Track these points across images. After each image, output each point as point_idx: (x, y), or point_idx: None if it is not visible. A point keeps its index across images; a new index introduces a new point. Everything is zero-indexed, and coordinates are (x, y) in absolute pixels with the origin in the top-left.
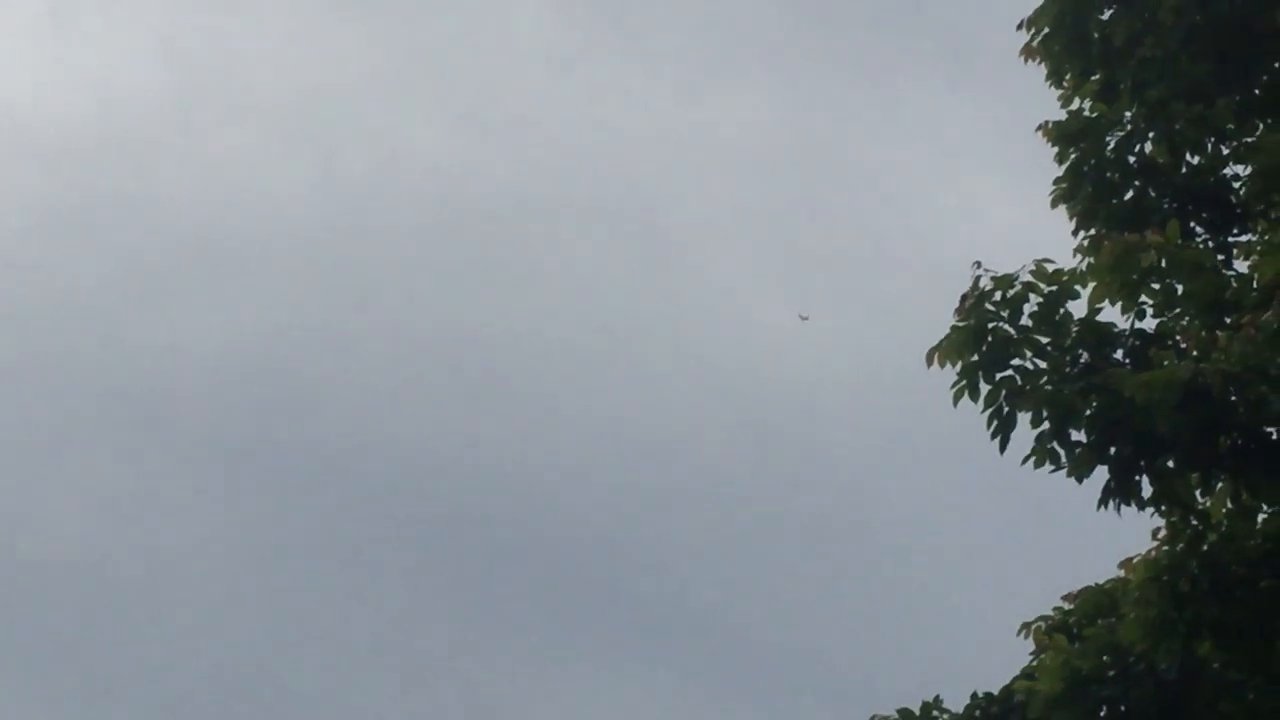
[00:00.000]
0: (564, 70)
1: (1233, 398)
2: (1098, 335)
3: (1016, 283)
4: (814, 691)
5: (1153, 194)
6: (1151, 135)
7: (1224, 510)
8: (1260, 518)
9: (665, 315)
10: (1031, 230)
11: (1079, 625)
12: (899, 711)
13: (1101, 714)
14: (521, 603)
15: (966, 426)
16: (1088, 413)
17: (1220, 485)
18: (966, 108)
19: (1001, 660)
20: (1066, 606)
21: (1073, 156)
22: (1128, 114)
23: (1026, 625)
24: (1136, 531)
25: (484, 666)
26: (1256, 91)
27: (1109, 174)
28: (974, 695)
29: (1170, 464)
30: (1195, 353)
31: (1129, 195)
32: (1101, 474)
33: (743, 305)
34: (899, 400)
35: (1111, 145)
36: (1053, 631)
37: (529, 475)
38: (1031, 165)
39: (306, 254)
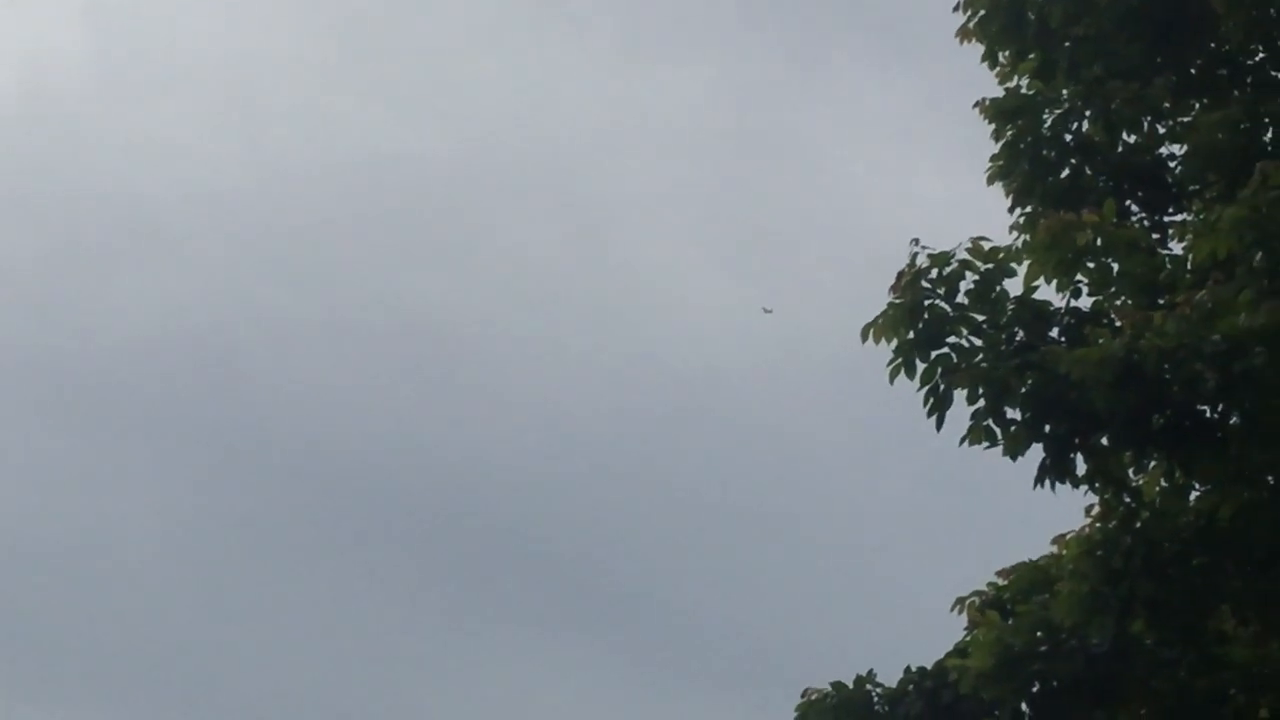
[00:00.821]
0: (499, 46)
1: (1167, 376)
2: (1033, 313)
3: (953, 260)
4: (750, 668)
5: (1089, 172)
6: (1088, 114)
7: (1157, 488)
8: (1192, 496)
9: (599, 292)
10: (965, 210)
11: (1013, 601)
12: (832, 685)
13: (1033, 690)
14: (454, 583)
15: (903, 404)
16: (1023, 390)
17: (1154, 464)
18: (901, 88)
19: (938, 636)
20: (1000, 582)
21: (1009, 134)
22: (1064, 92)
23: (961, 601)
24: (1073, 509)
25: (419, 643)
26: (1192, 71)
27: (1045, 151)
28: (907, 669)
29: (1105, 442)
30: (1131, 331)
31: (1065, 173)
32: (1037, 452)
33: (677, 283)
34: (834, 379)
35: (1048, 123)
36: (986, 608)
37: (460, 454)
38: (965, 145)
39: (235, 227)
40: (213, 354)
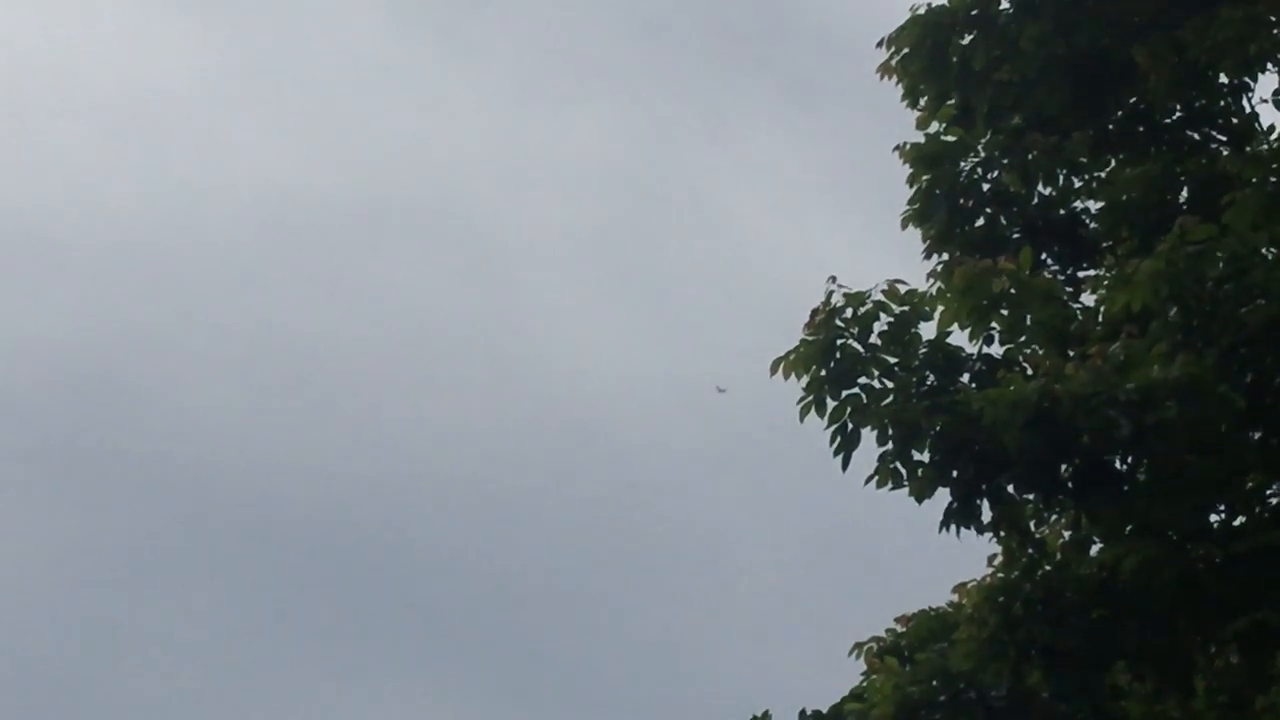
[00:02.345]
0: (396, 79)
1: (1079, 423)
2: (946, 358)
3: (868, 301)
4: (633, 709)
5: (1004, 222)
6: (1005, 163)
7: (1059, 540)
8: (1095, 549)
9: (487, 329)
10: (858, 257)
11: (910, 649)
12: None
13: None
14: (333, 610)
15: (807, 444)
16: (932, 433)
17: (1059, 513)
18: (800, 137)
19: (835, 681)
20: (899, 629)
21: (925, 180)
22: (983, 140)
23: (859, 645)
24: (972, 559)
25: (286, 672)
26: (1110, 127)
27: (962, 199)
28: (802, 713)
29: (1011, 487)
30: (1045, 376)
31: (981, 221)
32: (942, 498)
33: (566, 321)
34: (724, 420)
35: (966, 170)
36: (884, 654)
37: (344, 481)
38: (859, 199)
39: (131, 251)
40: (99, 376)
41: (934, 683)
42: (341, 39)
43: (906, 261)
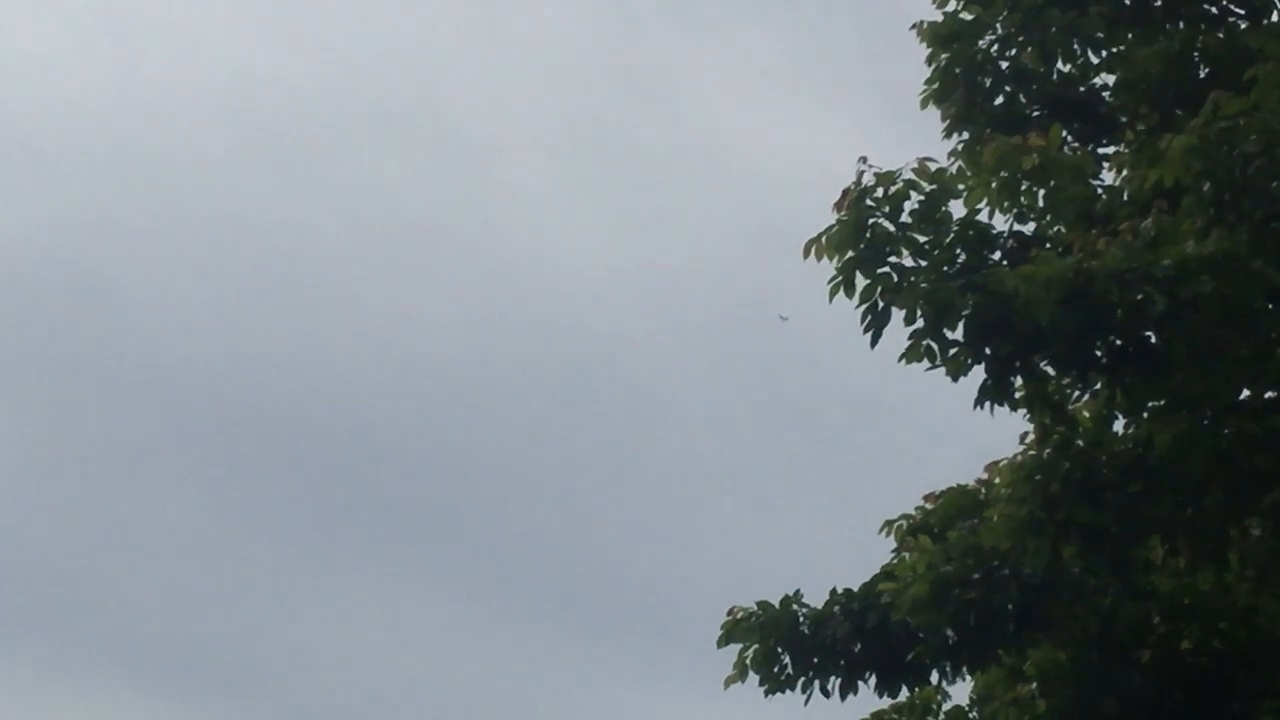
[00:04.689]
0: None
1: (1113, 299)
2: (977, 235)
3: (898, 180)
4: (669, 597)
5: (1023, 100)
6: (1023, 40)
7: (1090, 415)
8: (1128, 424)
9: (461, 221)
10: (838, 150)
11: (940, 526)
12: (758, 604)
13: (964, 618)
14: (308, 502)
15: (783, 336)
16: (965, 311)
17: (1094, 390)
18: (774, 28)
19: (866, 558)
20: (928, 507)
21: (944, 59)
22: (1001, 18)
23: (889, 524)
24: (1007, 434)
25: (263, 564)
26: (1127, 2)
27: (981, 78)
28: (833, 591)
29: (1046, 364)
30: (1080, 252)
31: (1000, 100)
32: (977, 374)
33: (543, 215)
34: (704, 310)
35: (984, 49)
36: (915, 532)
37: (319, 376)
38: (831, 90)
39: (105, 149)
40: (66, 266)
41: (968, 560)
42: None
43: (895, 148)
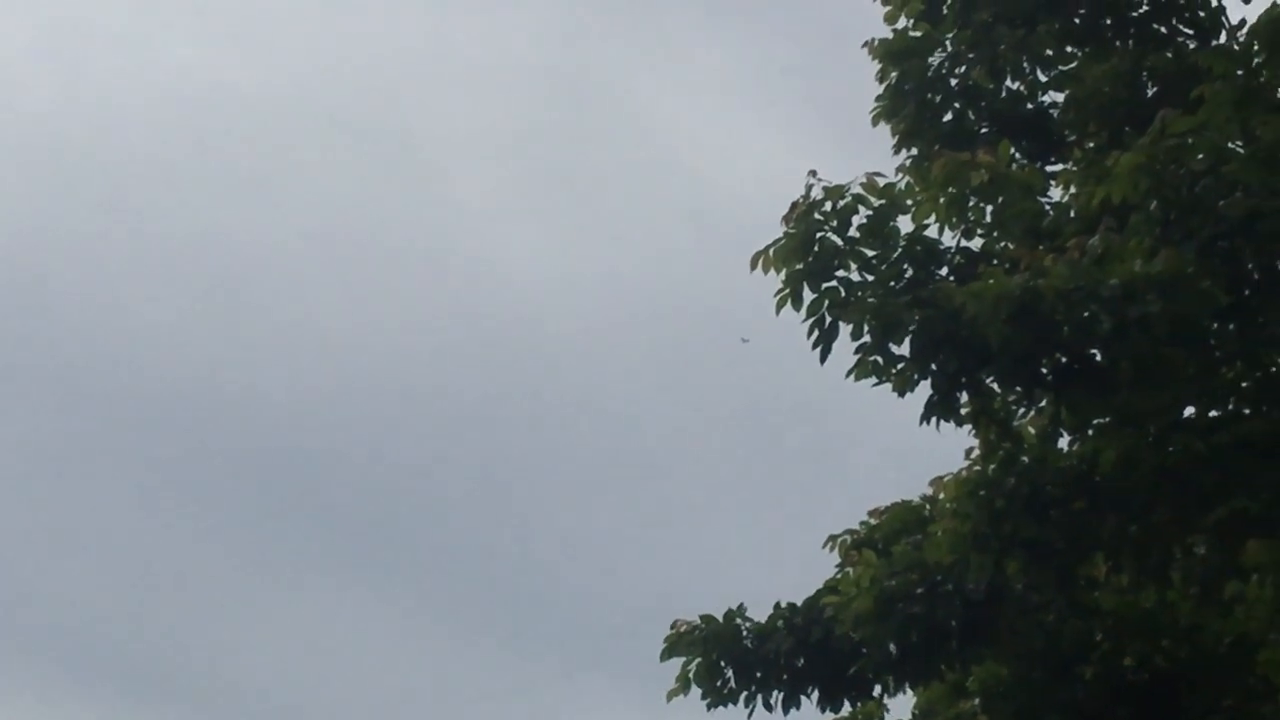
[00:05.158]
0: None
1: (1060, 317)
2: (925, 251)
3: (847, 194)
4: (612, 609)
5: (972, 116)
6: (973, 57)
7: (1036, 432)
8: (1074, 442)
9: (411, 229)
10: (779, 161)
11: (884, 541)
12: (701, 617)
13: (907, 633)
14: (258, 510)
15: (717, 355)
16: (912, 327)
17: (1039, 406)
18: (725, 39)
19: (811, 572)
20: (873, 521)
21: (894, 75)
22: (951, 35)
23: (833, 538)
24: (952, 450)
25: (212, 573)
26: (1077, 20)
27: (931, 94)
28: (777, 605)
29: (992, 381)
30: (1028, 270)
31: (949, 116)
32: (924, 389)
33: (488, 224)
34: (653, 319)
35: (934, 66)
36: (859, 546)
37: (268, 383)
38: (779, 103)
39: (52, 155)
40: (15, 275)
41: (912, 575)
42: None
43: (840, 162)
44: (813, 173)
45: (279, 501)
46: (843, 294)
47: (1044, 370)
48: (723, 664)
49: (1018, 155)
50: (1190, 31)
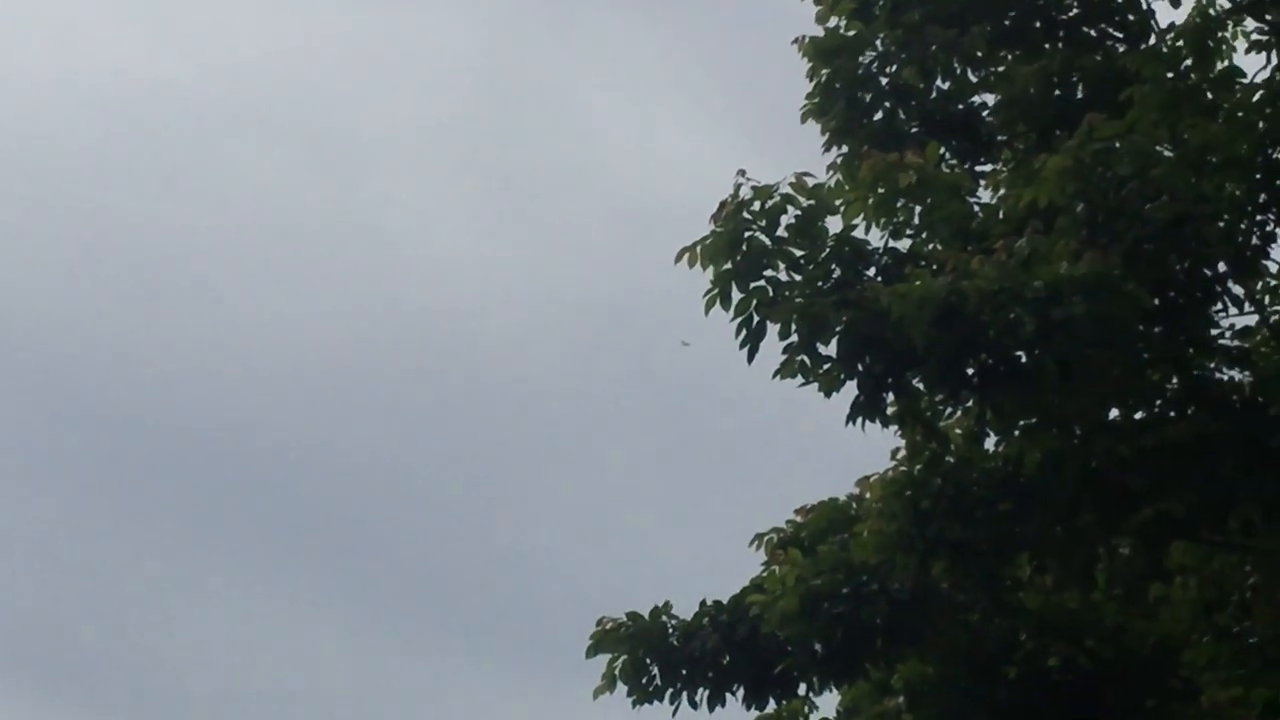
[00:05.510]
0: None
1: (985, 318)
2: (853, 251)
3: (775, 194)
4: (539, 606)
5: (903, 116)
6: (904, 57)
7: (962, 433)
8: (1000, 443)
9: (335, 224)
10: (710, 160)
11: (811, 540)
12: (628, 615)
13: (833, 631)
14: (173, 508)
15: (656, 353)
16: (839, 328)
17: (964, 407)
18: (658, 37)
19: (737, 571)
20: (800, 520)
21: (825, 74)
22: (882, 35)
23: (759, 537)
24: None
25: (126, 571)
26: (1007, 21)
27: (861, 93)
28: (702, 603)
29: (918, 382)
30: (953, 272)
31: (879, 116)
32: (850, 390)
33: (419, 222)
34: (578, 314)
35: (865, 65)
36: (786, 545)
37: (189, 374)
38: (709, 100)
39: None
40: None
41: (838, 574)
42: None
43: (764, 158)
44: (741, 172)
45: (205, 496)
46: (770, 294)
47: (970, 372)
48: (648, 661)
49: (947, 156)
50: (1120, 34)
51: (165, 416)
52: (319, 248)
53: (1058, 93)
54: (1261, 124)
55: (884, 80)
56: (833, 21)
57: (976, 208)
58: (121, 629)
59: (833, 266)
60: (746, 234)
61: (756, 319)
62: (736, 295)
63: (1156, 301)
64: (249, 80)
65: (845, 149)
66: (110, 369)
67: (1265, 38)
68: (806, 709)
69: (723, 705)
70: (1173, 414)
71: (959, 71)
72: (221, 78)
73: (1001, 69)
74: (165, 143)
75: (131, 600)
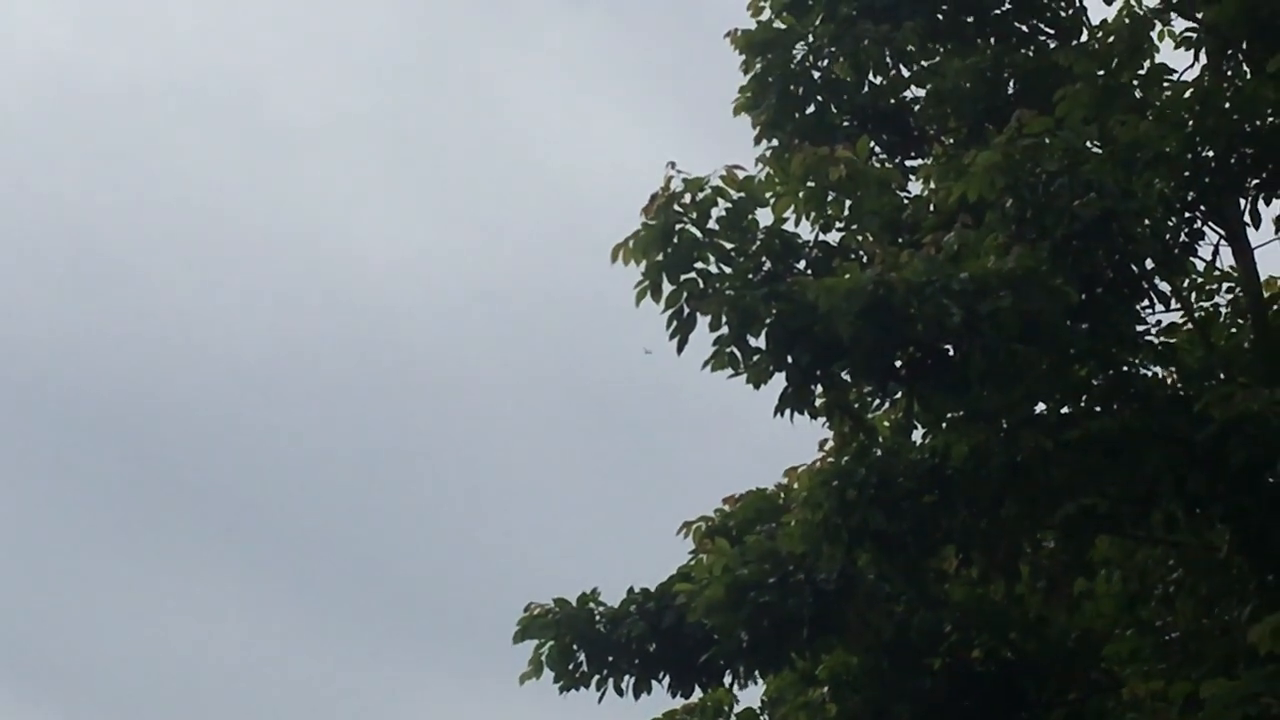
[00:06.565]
0: None
1: (913, 311)
2: (783, 244)
3: (706, 186)
4: (466, 592)
5: (834, 110)
6: (835, 51)
7: (889, 425)
8: (926, 435)
9: (263, 210)
10: (643, 152)
11: (738, 530)
12: (555, 601)
13: (759, 621)
14: (117, 496)
15: (584, 344)
16: (769, 320)
17: (892, 400)
18: (582, 30)
19: (664, 559)
20: (727, 509)
21: (758, 66)
22: (815, 28)
23: (687, 525)
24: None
25: (69, 559)
26: (940, 16)
27: (793, 86)
28: (630, 590)
29: (846, 374)
30: (881, 265)
31: (811, 109)
32: (779, 381)
33: (343, 206)
34: (507, 304)
35: (797, 58)
36: (713, 534)
37: (129, 365)
38: (640, 92)
39: None
40: None
41: (764, 564)
42: None
43: (694, 151)
44: (672, 164)
45: (133, 483)
46: (701, 286)
47: (897, 364)
48: (575, 648)
49: (877, 150)
50: (1052, 31)
51: (103, 409)
52: (242, 232)
53: (989, 88)
54: (1190, 122)
55: (816, 74)
56: (765, 14)
57: (906, 201)
58: (71, 625)
59: (763, 259)
60: (678, 226)
61: (687, 311)
62: (667, 287)
63: (1083, 297)
64: (183, 67)
65: (776, 142)
66: (48, 359)
67: (1194, 35)
68: (731, 698)
69: (648, 693)
70: (1098, 409)
71: (891, 66)
72: (146, 64)
73: (933, 63)
74: (100, 131)
75: (88, 597)
